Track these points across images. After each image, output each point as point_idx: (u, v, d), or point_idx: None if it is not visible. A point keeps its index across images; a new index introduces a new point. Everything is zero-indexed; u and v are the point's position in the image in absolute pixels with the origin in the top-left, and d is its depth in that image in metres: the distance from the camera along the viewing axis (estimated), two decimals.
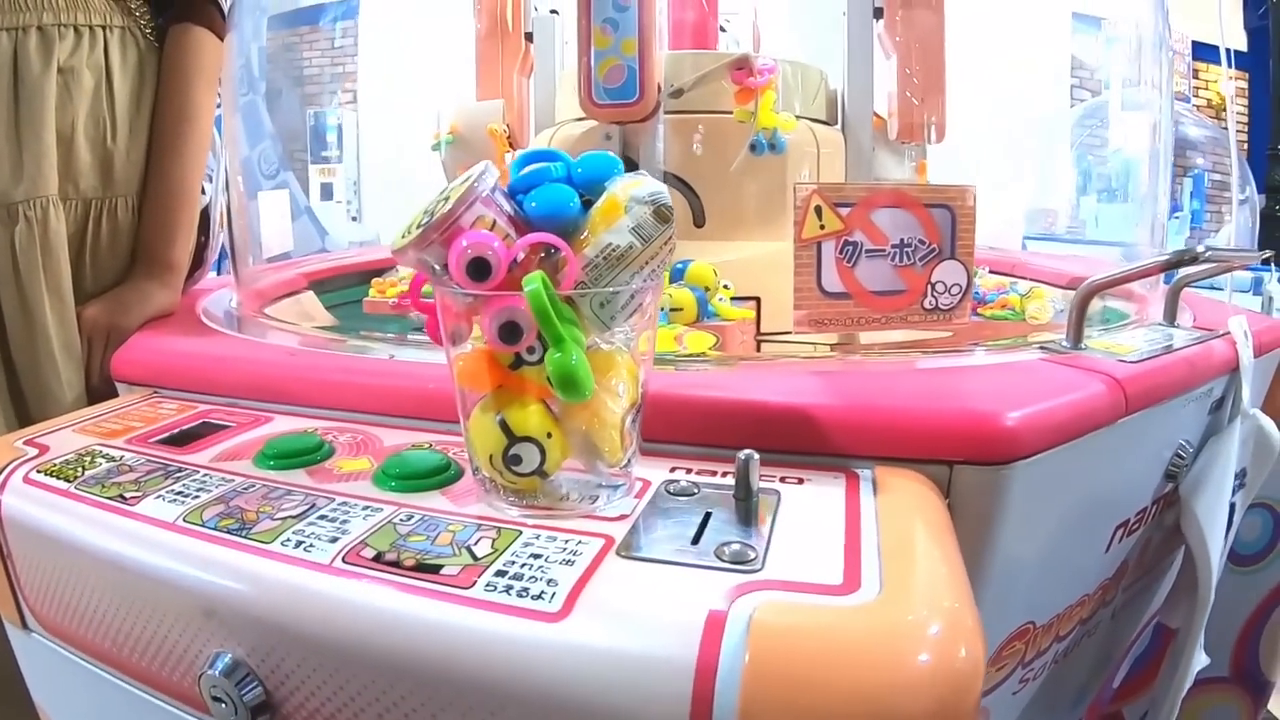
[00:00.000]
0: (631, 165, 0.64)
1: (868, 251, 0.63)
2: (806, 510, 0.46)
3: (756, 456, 0.46)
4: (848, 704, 0.33)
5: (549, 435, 0.44)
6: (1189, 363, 0.63)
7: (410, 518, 0.45)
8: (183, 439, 0.57)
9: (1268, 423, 0.69)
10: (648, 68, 0.83)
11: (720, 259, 0.89)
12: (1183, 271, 0.68)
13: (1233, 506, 0.68)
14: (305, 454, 0.53)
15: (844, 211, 0.62)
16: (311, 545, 0.42)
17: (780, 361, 0.67)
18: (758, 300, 0.94)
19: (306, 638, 0.40)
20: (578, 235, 0.43)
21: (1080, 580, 0.65)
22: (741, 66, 0.84)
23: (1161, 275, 0.75)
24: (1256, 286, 1.11)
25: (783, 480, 0.49)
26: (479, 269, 0.40)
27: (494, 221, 0.41)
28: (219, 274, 1.00)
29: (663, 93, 0.88)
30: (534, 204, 0.42)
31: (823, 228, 0.62)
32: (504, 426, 0.44)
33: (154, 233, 0.82)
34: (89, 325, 0.77)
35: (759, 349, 0.89)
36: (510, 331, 0.41)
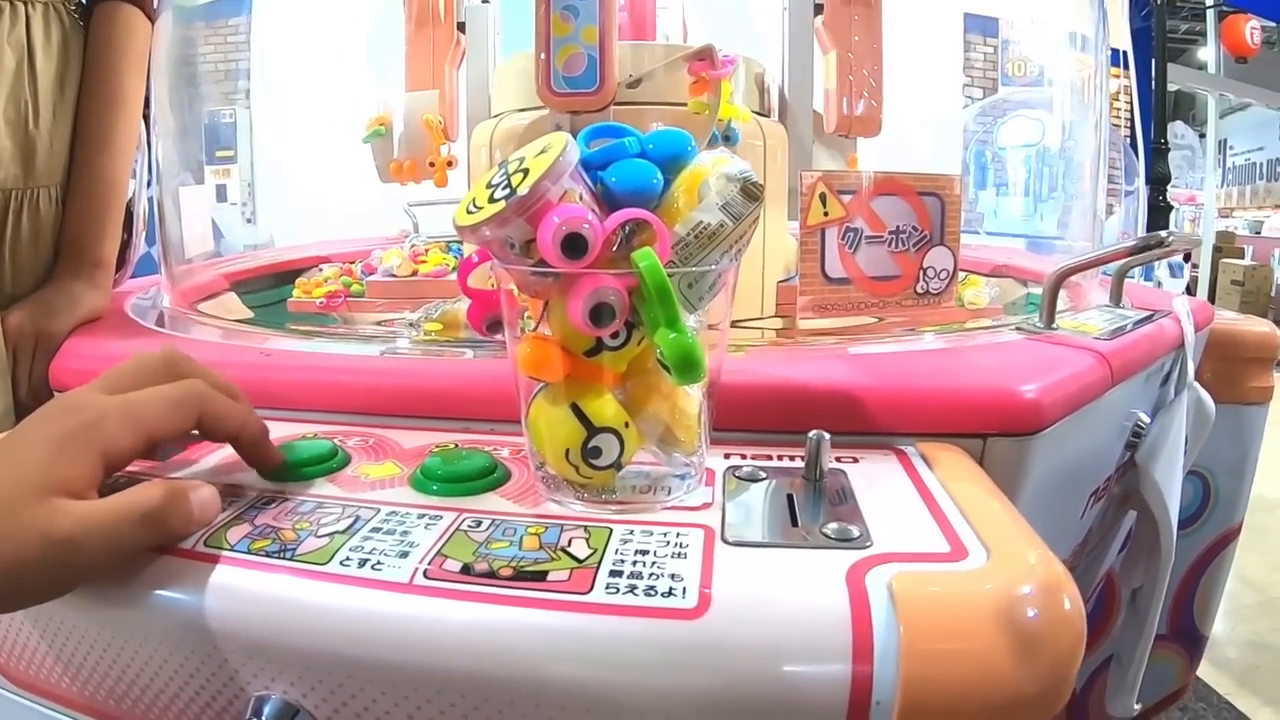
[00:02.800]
0: None
1: (867, 238, 0.64)
2: (876, 486, 0.46)
3: (828, 437, 0.45)
4: (999, 668, 0.33)
5: (626, 425, 0.42)
6: (1150, 339, 0.69)
7: (479, 523, 0.41)
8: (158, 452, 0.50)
9: (1205, 395, 0.75)
10: (607, 56, 0.81)
11: None
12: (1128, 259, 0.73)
13: None
14: (322, 461, 0.48)
15: (846, 199, 0.63)
16: (380, 563, 0.38)
17: (786, 347, 0.67)
18: None
19: (392, 668, 0.35)
20: (658, 213, 0.41)
21: (1061, 547, 0.69)
22: (703, 57, 0.83)
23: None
24: (1147, 273, 1.23)
25: (837, 460, 0.49)
26: (574, 245, 0.37)
27: (581, 195, 0.39)
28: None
29: (619, 83, 0.86)
30: (615, 179, 0.40)
31: (826, 214, 0.62)
32: (581, 417, 0.41)
33: (81, 228, 0.72)
34: (14, 333, 0.66)
35: None
36: (602, 314, 0.38)
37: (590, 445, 0.41)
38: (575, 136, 0.41)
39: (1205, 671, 1.55)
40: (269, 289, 0.99)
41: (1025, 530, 0.41)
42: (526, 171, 0.38)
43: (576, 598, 0.35)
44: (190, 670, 0.39)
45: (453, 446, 0.50)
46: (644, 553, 0.38)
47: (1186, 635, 0.96)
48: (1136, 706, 0.78)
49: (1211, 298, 6.04)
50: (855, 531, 0.39)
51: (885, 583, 0.35)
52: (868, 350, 0.66)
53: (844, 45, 0.96)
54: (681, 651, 0.33)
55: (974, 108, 1.33)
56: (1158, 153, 3.44)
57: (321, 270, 0.98)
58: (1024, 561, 0.38)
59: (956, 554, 0.38)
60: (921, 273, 0.66)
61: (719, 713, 0.33)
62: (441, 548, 0.39)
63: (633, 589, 0.35)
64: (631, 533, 0.40)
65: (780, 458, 0.49)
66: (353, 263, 1.00)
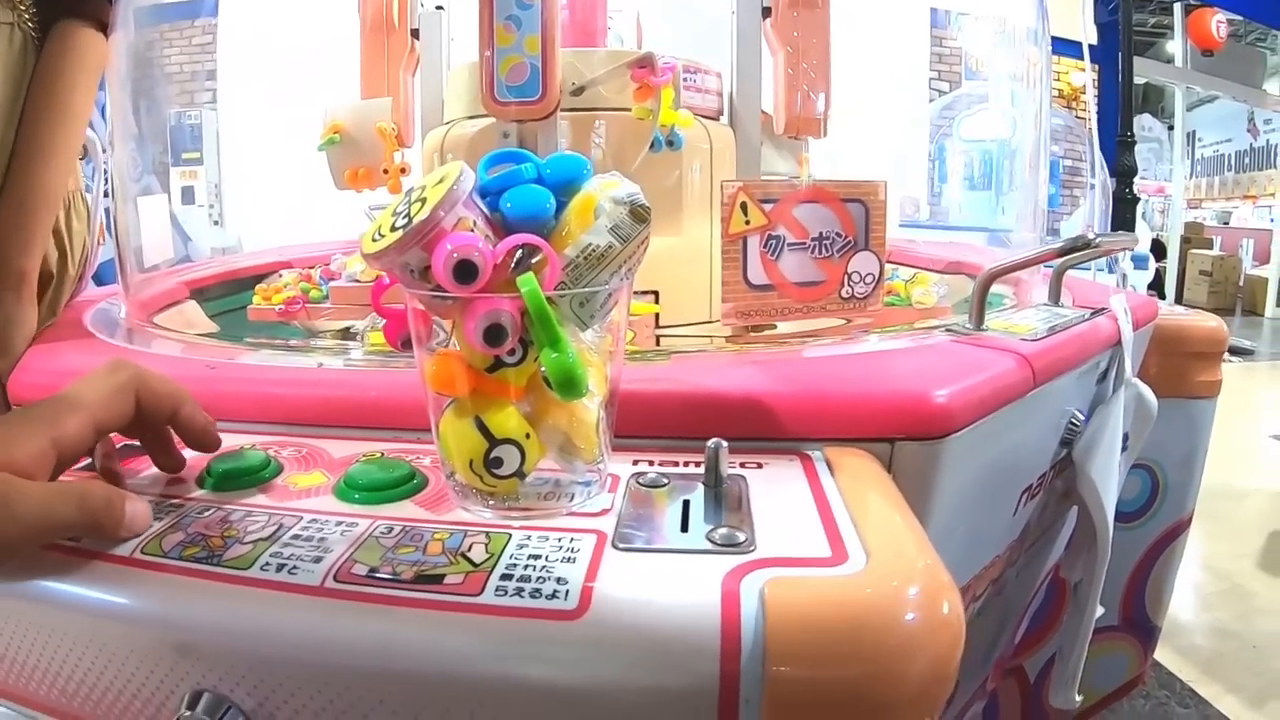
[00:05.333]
0: None
1: (790, 245, 0.66)
2: (774, 492, 0.48)
3: (725, 445, 0.48)
4: (865, 669, 0.35)
5: (527, 436, 0.44)
6: (1081, 339, 0.70)
7: (390, 530, 0.44)
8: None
9: (1146, 390, 0.77)
10: (550, 65, 0.83)
11: None
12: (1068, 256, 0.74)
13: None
14: (254, 472, 0.50)
15: (768, 207, 0.65)
16: (295, 568, 0.40)
17: (711, 353, 0.69)
18: (656, 294, 0.97)
19: (304, 663, 0.38)
20: (552, 236, 0.43)
21: (993, 543, 0.71)
22: (644, 64, 0.85)
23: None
24: (1111, 265, 1.24)
25: (742, 465, 0.51)
26: (465, 272, 0.39)
27: (474, 223, 0.41)
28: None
29: (564, 90, 0.88)
30: (509, 205, 0.42)
31: (748, 223, 0.65)
32: (483, 430, 0.43)
33: (5, 237, 0.73)
34: None
35: (658, 343, 0.91)
36: (495, 334, 0.41)
37: (492, 456, 0.43)
38: (515, 145, 0.44)
39: (1169, 659, 1.57)
40: (230, 295, 1.01)
41: (913, 535, 0.44)
42: (424, 201, 0.41)
43: (468, 599, 0.37)
44: (131, 669, 0.41)
45: (379, 456, 0.53)
46: (536, 557, 0.40)
47: (1139, 626, 0.98)
48: (1078, 698, 0.80)
49: (1180, 288, 6.05)
50: (740, 537, 0.42)
51: (758, 587, 0.37)
52: (819, 354, 0.67)
53: (793, 47, 0.97)
54: (561, 650, 0.36)
55: (938, 103, 1.34)
56: (1124, 145, 3.43)
57: (281, 276, 1.00)
58: (901, 566, 0.40)
59: (836, 558, 0.40)
60: (846, 277, 0.68)
61: (597, 710, 0.35)
62: (353, 553, 0.41)
63: (520, 591, 0.37)
64: (529, 538, 0.42)
65: (687, 464, 0.52)
66: (312, 268, 1.02)
